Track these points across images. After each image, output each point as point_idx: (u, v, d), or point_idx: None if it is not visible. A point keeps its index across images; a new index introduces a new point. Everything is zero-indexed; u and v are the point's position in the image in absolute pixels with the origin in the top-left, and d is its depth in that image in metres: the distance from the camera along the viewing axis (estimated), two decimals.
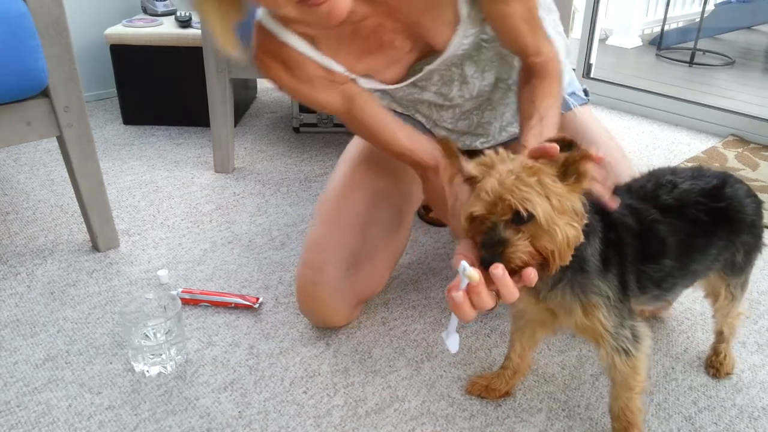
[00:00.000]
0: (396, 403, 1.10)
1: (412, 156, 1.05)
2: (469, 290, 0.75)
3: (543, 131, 0.93)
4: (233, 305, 1.33)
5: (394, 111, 1.24)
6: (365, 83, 1.08)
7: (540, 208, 0.74)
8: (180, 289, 1.35)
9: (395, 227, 1.27)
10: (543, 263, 0.78)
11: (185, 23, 2.24)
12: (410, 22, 1.01)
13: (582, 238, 0.79)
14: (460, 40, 1.04)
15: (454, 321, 0.80)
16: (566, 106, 1.32)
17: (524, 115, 1.00)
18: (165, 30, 2.24)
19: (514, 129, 1.32)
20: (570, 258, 0.79)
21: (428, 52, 1.08)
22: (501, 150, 0.80)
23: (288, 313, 1.32)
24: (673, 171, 1.01)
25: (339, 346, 1.23)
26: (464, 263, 0.75)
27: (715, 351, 1.18)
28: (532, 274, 0.76)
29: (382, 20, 1.00)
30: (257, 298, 1.34)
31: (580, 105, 1.34)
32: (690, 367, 1.19)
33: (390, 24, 1.01)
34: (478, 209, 0.77)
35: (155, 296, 1.21)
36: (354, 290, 1.23)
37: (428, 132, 1.29)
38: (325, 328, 1.27)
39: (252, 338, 1.25)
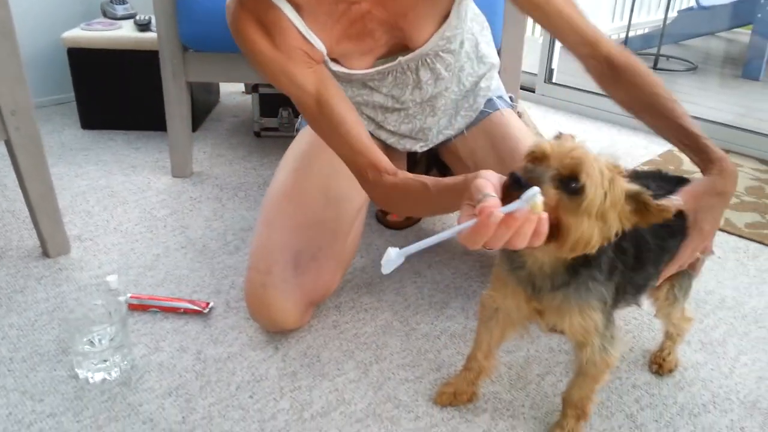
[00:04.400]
0: (342, 406, 1.10)
1: (369, 156, 1.03)
2: (508, 221, 0.68)
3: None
4: (182, 310, 1.32)
5: None
6: (333, 66, 1.10)
7: (593, 192, 0.75)
8: (129, 295, 1.34)
9: (339, 227, 1.27)
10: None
11: (144, 27, 2.22)
12: (399, 14, 1.06)
13: (593, 251, 0.79)
14: (438, 39, 1.11)
15: (421, 245, 0.69)
16: (494, 106, 1.39)
17: (666, 109, 1.03)
18: (124, 33, 2.22)
19: (449, 132, 1.39)
20: (572, 255, 0.80)
21: (397, 51, 1.13)
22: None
23: (238, 318, 1.31)
24: (637, 174, 1.02)
25: (288, 349, 1.23)
26: (538, 193, 0.68)
27: (660, 347, 1.20)
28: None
29: (373, 7, 1.03)
30: (207, 303, 1.33)
31: (506, 108, 1.41)
32: (634, 365, 1.21)
33: (379, 12, 1.04)
34: (548, 149, 0.77)
35: (103, 302, 1.19)
36: (303, 291, 1.22)
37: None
38: (274, 333, 1.27)
39: (200, 343, 1.24)
